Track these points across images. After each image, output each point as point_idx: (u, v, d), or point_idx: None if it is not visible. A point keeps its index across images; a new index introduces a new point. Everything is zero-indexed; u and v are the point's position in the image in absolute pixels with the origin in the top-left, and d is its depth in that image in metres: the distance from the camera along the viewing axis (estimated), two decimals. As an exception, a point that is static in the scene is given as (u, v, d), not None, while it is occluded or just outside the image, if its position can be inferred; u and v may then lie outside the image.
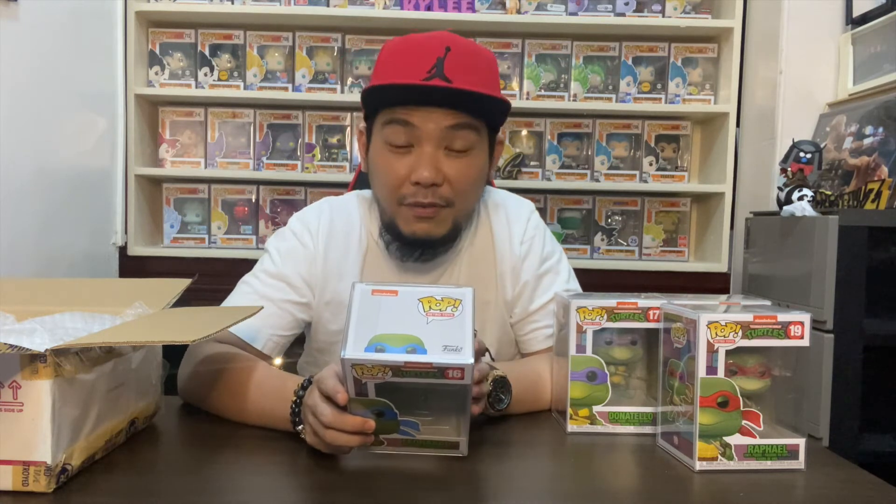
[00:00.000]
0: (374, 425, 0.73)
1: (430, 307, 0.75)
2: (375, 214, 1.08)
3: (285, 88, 2.25)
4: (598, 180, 2.28)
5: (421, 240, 1.00)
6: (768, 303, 0.86)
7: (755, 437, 0.77)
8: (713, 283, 2.22)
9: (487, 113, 1.00)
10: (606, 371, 0.89)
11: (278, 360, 1.12)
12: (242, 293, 1.05)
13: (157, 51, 2.25)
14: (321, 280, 1.05)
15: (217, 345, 0.98)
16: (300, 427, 0.81)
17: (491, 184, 1.23)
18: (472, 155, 0.99)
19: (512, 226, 1.10)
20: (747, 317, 0.76)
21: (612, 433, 0.88)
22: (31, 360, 0.63)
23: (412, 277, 1.07)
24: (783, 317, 0.77)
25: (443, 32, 1.00)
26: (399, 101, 0.96)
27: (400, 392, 0.73)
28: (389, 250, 1.05)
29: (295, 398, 0.82)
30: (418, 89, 0.95)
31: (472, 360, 0.69)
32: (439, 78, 0.94)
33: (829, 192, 1.82)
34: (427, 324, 0.73)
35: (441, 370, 0.69)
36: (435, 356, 0.69)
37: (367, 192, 1.12)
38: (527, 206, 1.15)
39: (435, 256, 1.05)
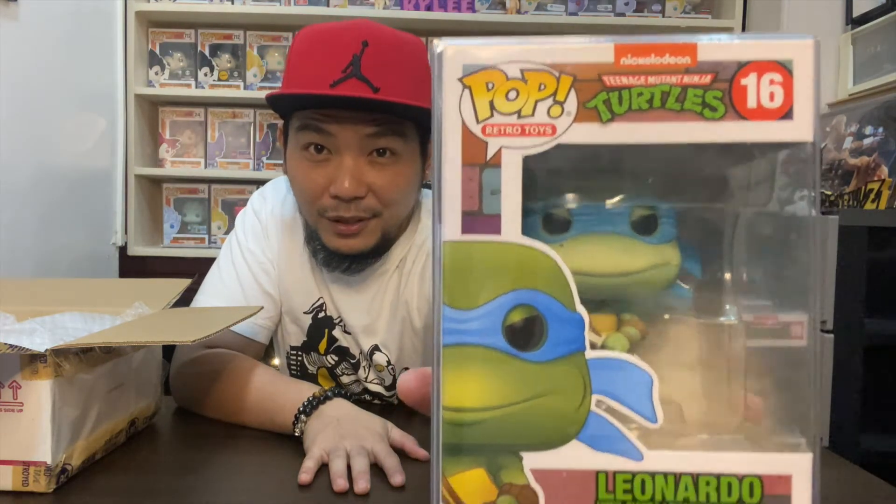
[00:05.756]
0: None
1: None
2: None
3: (285, 88, 2.25)
4: (598, 180, 2.28)
5: (346, 255, 0.90)
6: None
7: (755, 438, 0.77)
8: (713, 283, 2.22)
9: (415, 113, 0.86)
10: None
11: (276, 361, 1.11)
12: (220, 280, 0.99)
13: (157, 51, 2.25)
14: (276, 261, 0.99)
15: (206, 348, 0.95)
16: (301, 422, 0.79)
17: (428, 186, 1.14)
18: (399, 162, 0.87)
19: None
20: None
21: (613, 433, 0.88)
22: (31, 360, 0.63)
23: (342, 290, 0.97)
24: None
25: (361, 22, 0.87)
26: (311, 104, 0.85)
27: None
28: (317, 258, 0.94)
29: (311, 397, 0.80)
30: (327, 100, 0.83)
31: None
32: (356, 78, 0.82)
33: (829, 192, 1.82)
34: None
35: None
36: None
37: None
38: None
39: (364, 268, 0.94)
